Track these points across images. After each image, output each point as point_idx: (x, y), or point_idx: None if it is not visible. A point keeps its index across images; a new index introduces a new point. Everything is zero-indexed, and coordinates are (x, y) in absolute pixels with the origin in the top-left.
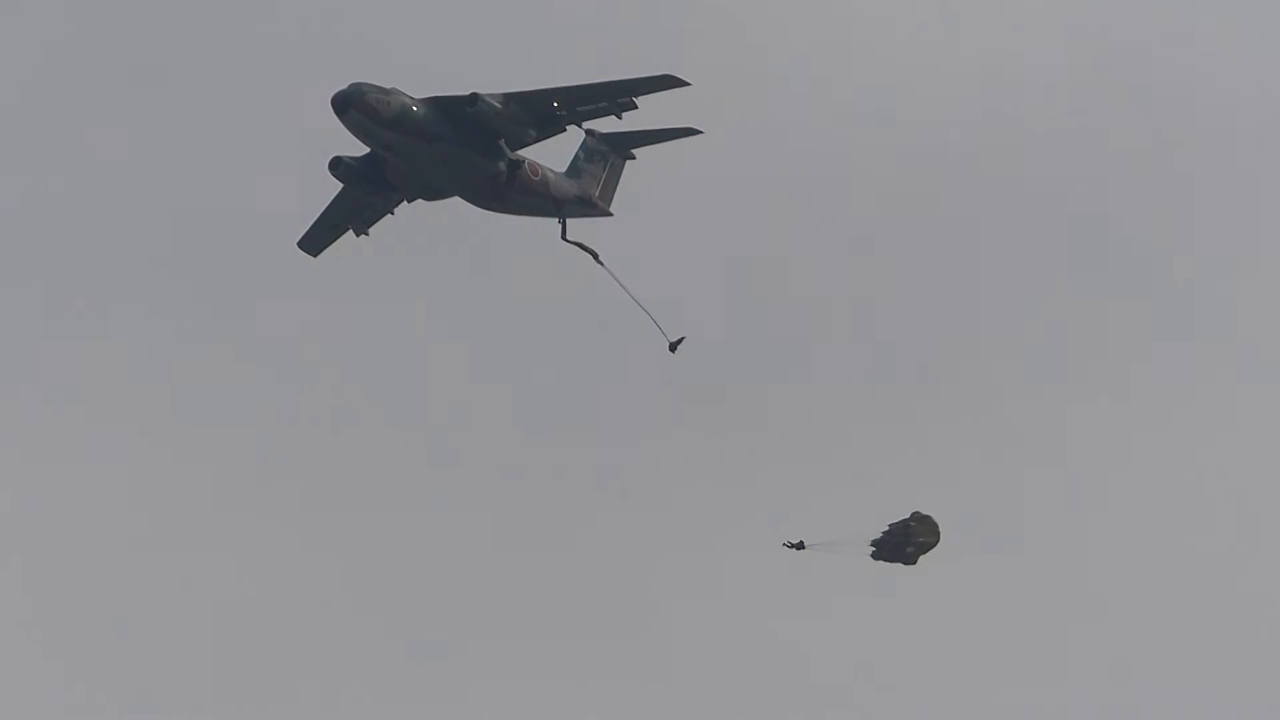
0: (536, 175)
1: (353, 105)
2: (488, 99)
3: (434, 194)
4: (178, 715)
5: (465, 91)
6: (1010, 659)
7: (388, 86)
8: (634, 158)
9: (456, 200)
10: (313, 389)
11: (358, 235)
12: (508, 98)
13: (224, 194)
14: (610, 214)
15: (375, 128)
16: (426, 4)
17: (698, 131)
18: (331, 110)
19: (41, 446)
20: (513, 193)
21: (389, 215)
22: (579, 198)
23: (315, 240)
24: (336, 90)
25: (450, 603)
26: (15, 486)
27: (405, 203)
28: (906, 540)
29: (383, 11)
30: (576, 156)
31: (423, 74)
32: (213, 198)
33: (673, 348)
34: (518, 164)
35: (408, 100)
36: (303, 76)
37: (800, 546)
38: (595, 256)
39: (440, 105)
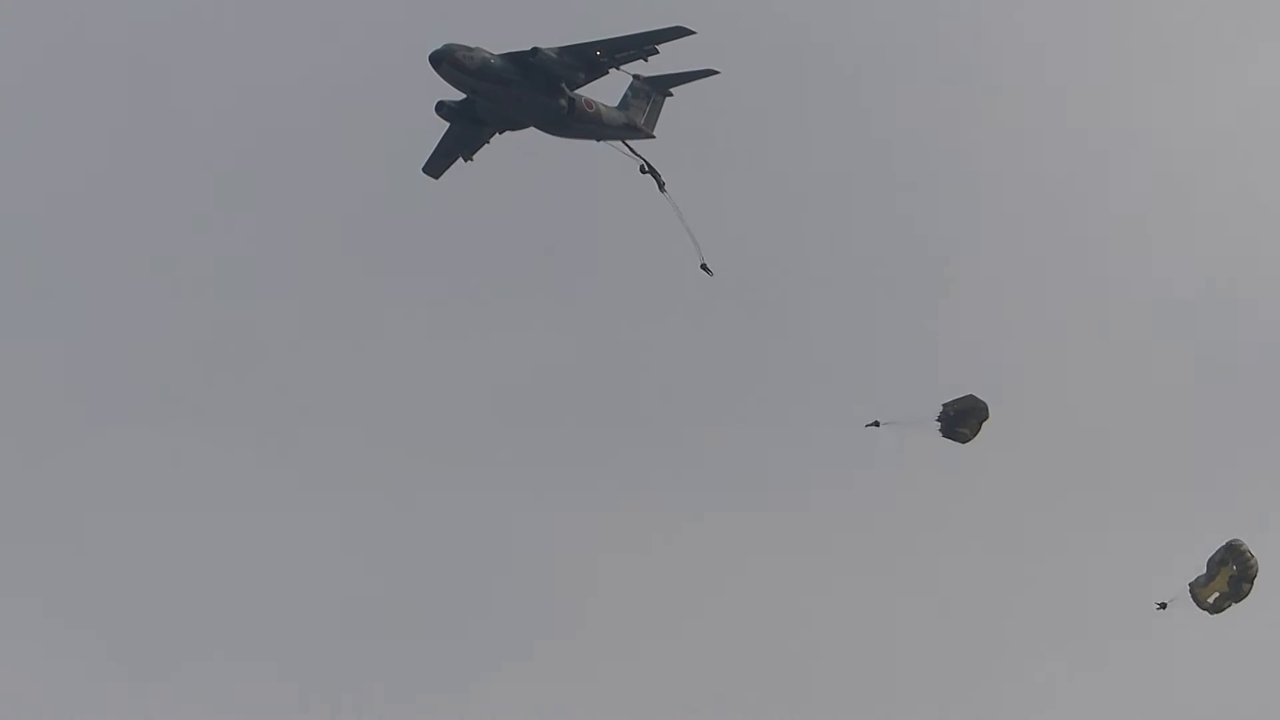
0: (591, 109)
1: (445, 60)
2: (546, 51)
3: (515, 126)
4: None
5: (529, 47)
6: None
7: (471, 45)
8: (672, 95)
9: (533, 130)
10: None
11: (465, 161)
12: (561, 50)
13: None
14: (653, 136)
15: (463, 76)
16: None
17: (715, 72)
18: (429, 65)
19: None
20: (574, 121)
21: (487, 145)
22: (626, 124)
23: (435, 166)
24: (432, 49)
25: None
26: None
27: (497, 134)
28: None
29: None
30: (625, 95)
31: (499, 34)
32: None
33: (704, 268)
34: (574, 100)
35: (487, 54)
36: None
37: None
38: (661, 185)
39: (511, 58)
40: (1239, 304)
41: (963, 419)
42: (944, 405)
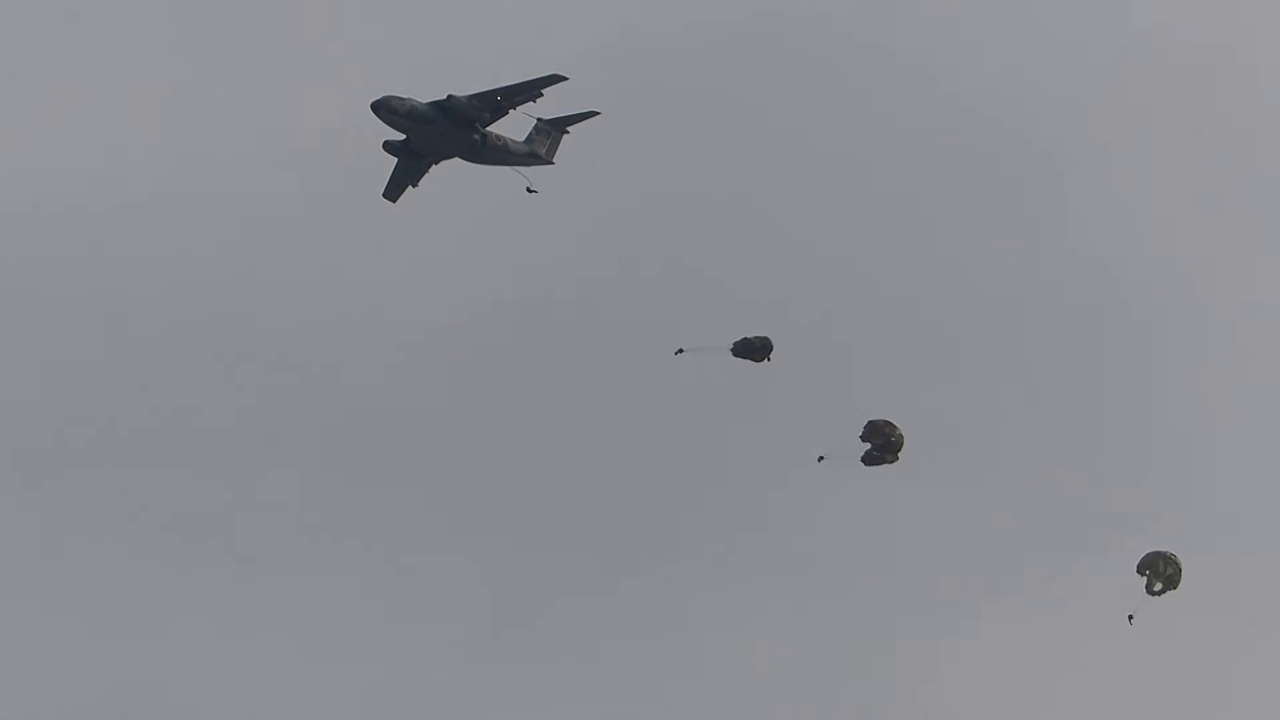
0: (500, 142)
1: (382, 107)
2: (458, 98)
3: (444, 156)
4: None
5: (444, 95)
6: None
7: (404, 96)
8: (569, 132)
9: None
10: None
11: (413, 187)
12: (471, 96)
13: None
14: (552, 163)
15: (398, 119)
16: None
17: (597, 113)
18: (370, 110)
19: None
20: (488, 152)
21: (426, 174)
22: (530, 154)
23: (392, 192)
24: (371, 100)
25: None
26: None
27: (432, 164)
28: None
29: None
30: (530, 131)
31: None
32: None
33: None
34: (486, 135)
35: (415, 103)
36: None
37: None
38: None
39: (434, 104)
40: None
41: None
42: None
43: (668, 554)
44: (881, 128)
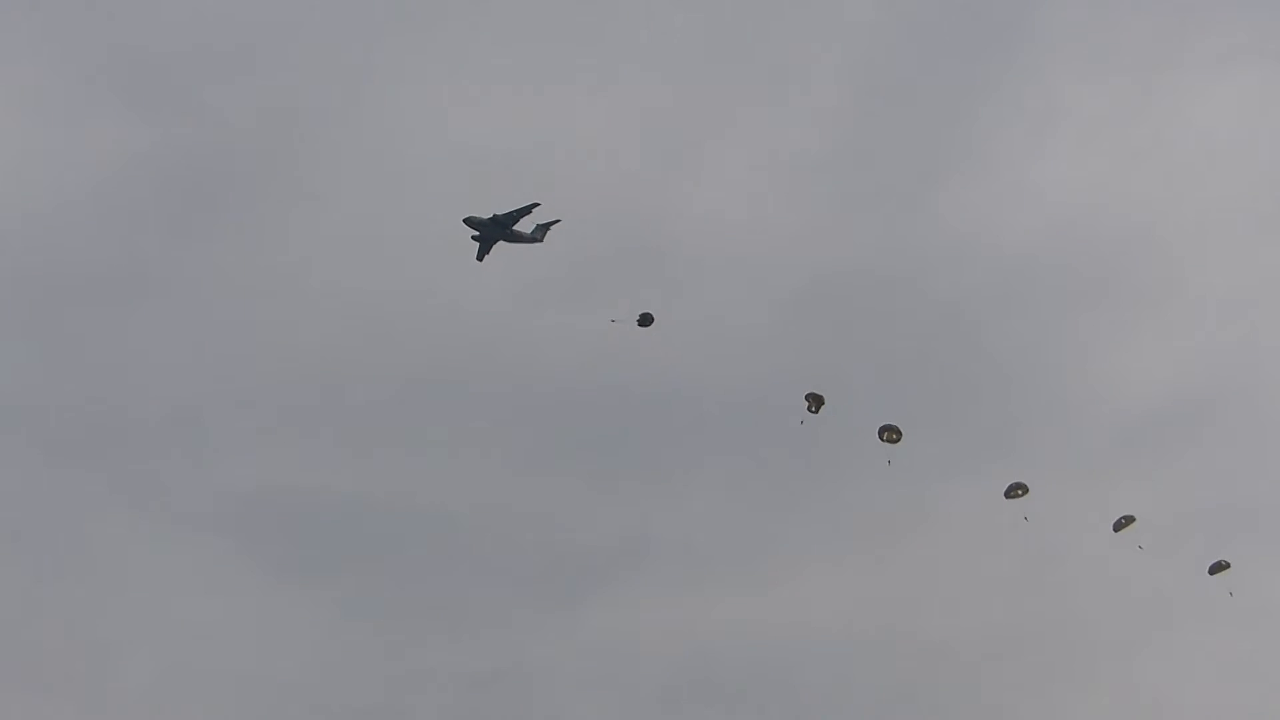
0: (519, 233)
1: (466, 220)
2: (499, 215)
3: (493, 241)
4: None
5: (488, 214)
6: None
7: (475, 214)
8: (560, 220)
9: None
10: None
11: (479, 261)
12: (505, 213)
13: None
14: (541, 241)
15: (475, 224)
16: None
17: (538, 204)
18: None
19: None
20: (513, 238)
21: (489, 251)
22: (533, 238)
23: (480, 256)
24: (462, 217)
25: None
26: None
27: (491, 246)
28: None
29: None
30: (533, 227)
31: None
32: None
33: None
34: (508, 227)
35: (480, 217)
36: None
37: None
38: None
39: (491, 217)
40: None
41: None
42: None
43: None
44: None
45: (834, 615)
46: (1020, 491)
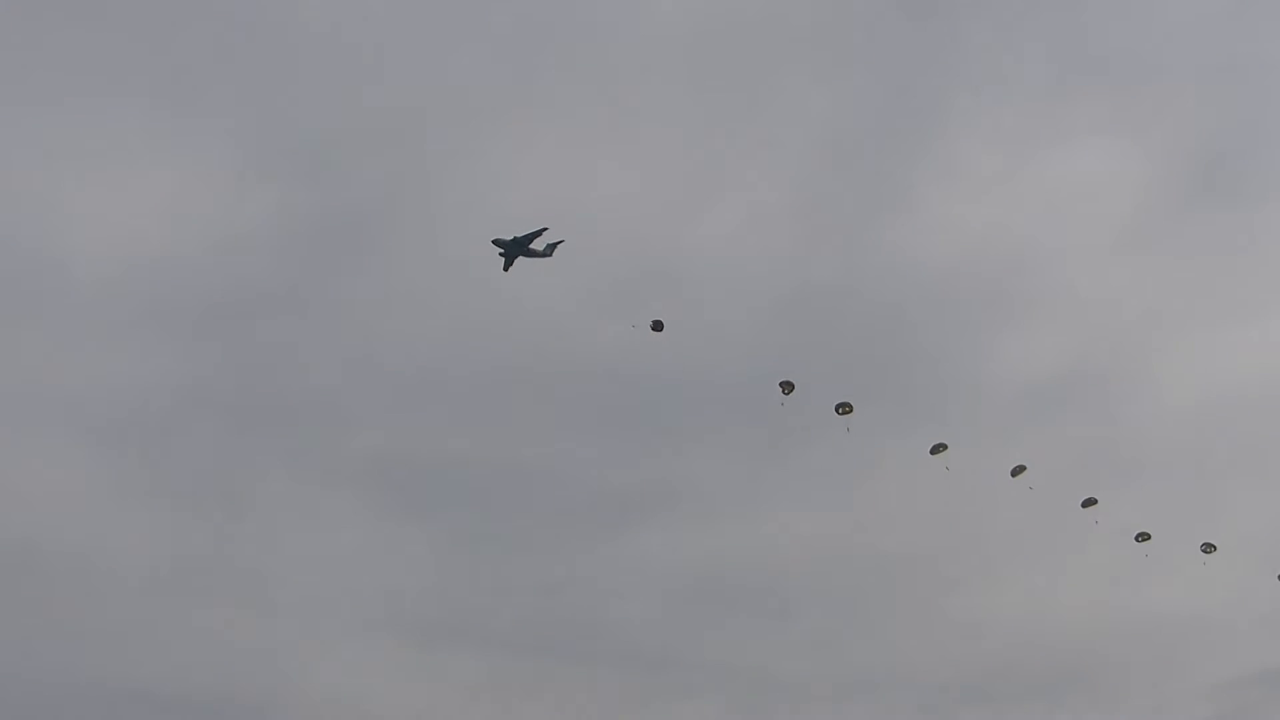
0: (534, 248)
1: (493, 240)
2: (519, 236)
3: (515, 257)
4: None
5: (510, 236)
6: None
7: (500, 236)
8: (563, 240)
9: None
10: None
11: (505, 271)
12: (517, 236)
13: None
14: (550, 255)
15: (500, 244)
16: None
17: (546, 228)
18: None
19: None
20: (530, 254)
21: (512, 264)
22: (544, 252)
23: (506, 268)
24: (491, 238)
25: None
26: None
27: (514, 260)
28: None
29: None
30: (545, 243)
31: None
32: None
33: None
34: (525, 245)
35: (503, 239)
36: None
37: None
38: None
39: (513, 238)
40: None
41: None
42: None
43: None
44: None
45: (808, 538)
46: (942, 448)
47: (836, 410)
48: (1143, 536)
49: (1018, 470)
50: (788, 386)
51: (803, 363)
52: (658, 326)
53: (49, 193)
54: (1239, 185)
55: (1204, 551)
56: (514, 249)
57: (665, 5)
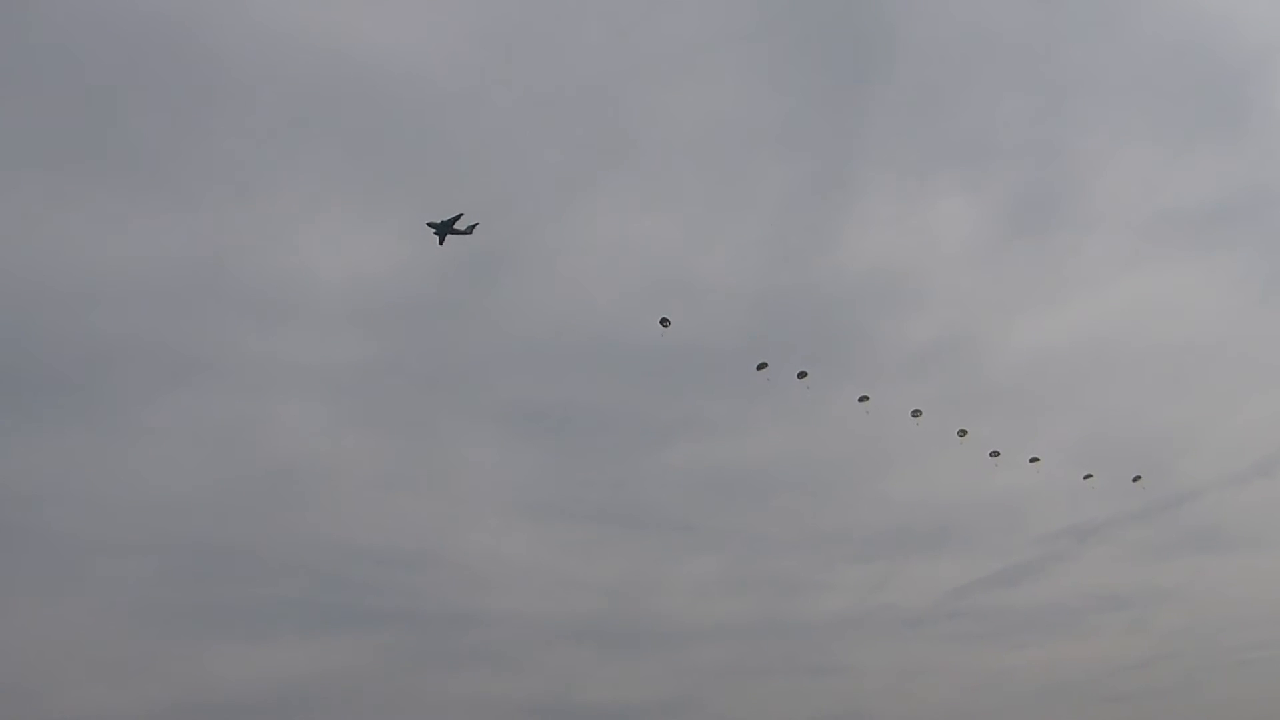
0: (460, 229)
1: (428, 223)
2: (446, 219)
3: (445, 234)
4: None
5: (438, 220)
6: None
7: (433, 219)
8: (478, 223)
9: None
10: None
11: (440, 245)
12: (444, 220)
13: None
14: (470, 233)
15: (431, 227)
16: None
17: (461, 214)
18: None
19: None
20: (457, 233)
21: (444, 241)
22: (466, 232)
23: (441, 243)
24: (426, 221)
25: None
26: None
27: (445, 237)
28: None
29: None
30: (466, 225)
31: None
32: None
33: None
34: (456, 228)
35: (435, 222)
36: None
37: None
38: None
39: (443, 221)
40: None
41: None
42: None
43: None
44: None
45: (777, 453)
46: (865, 399)
47: (798, 376)
48: (994, 454)
49: (916, 413)
50: (763, 366)
51: (774, 343)
52: (665, 323)
53: (311, 230)
54: (1043, 223)
55: (1031, 463)
56: (444, 229)
57: (682, 119)
